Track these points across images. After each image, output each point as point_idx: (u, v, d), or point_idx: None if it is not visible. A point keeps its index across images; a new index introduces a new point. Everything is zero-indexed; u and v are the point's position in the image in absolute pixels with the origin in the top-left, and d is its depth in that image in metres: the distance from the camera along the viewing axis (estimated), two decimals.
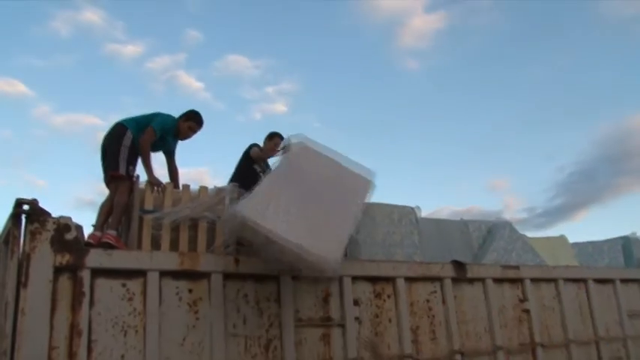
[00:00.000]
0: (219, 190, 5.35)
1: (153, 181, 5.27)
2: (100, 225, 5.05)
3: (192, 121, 5.82)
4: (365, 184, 5.36)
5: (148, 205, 5.07)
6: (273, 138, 6.53)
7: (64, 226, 4.30)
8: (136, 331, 4.36)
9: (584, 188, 35.68)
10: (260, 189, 4.70)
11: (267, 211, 4.51)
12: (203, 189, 5.32)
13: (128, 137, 5.30)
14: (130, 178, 5.27)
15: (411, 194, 44.40)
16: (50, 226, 4.24)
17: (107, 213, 5.16)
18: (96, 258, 4.33)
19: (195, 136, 5.91)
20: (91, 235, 4.76)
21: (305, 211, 4.65)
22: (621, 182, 36.84)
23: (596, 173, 34.80)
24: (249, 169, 6.24)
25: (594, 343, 6.99)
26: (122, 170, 5.19)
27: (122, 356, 4.28)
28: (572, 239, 8.41)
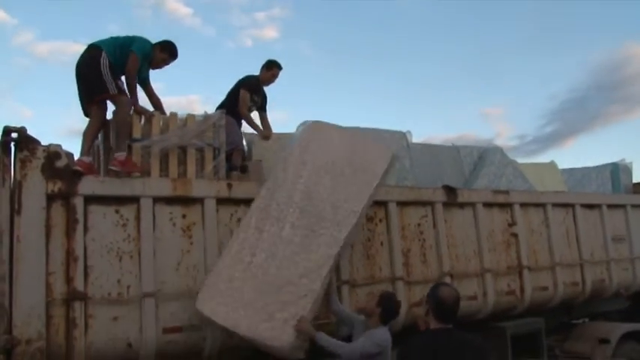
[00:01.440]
0: (207, 117, 5.29)
1: (140, 110, 5.19)
2: (86, 150, 4.96)
3: (167, 53, 5.61)
4: (383, 154, 4.92)
5: (136, 134, 5.02)
6: (272, 68, 6.39)
7: (54, 153, 4.29)
8: (131, 257, 4.43)
9: (575, 116, 35.87)
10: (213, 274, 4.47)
11: (218, 303, 4.33)
12: (190, 116, 5.26)
13: (105, 58, 5.07)
14: (124, 92, 5.16)
15: (403, 121, 44.51)
16: (40, 154, 4.23)
17: (92, 138, 5.09)
18: (88, 185, 4.34)
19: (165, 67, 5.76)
20: (77, 161, 4.70)
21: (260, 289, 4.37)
22: (612, 110, 37.01)
23: (588, 101, 34.91)
24: (239, 96, 6.14)
25: (579, 266, 7.22)
26: (112, 89, 5.03)
27: (118, 281, 4.37)
28: (562, 166, 8.51)
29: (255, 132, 6.21)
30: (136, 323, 4.35)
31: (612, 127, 39.58)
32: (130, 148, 4.96)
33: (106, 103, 5.16)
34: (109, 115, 5.18)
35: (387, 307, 4.32)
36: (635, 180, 8.86)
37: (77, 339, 4.12)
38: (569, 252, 7.15)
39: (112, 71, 5.10)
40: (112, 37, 5.33)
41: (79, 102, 5.26)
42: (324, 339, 4.23)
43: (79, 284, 4.19)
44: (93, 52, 5.16)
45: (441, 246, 5.88)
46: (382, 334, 4.23)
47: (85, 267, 4.25)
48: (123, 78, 5.32)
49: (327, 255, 4.44)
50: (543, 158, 30.87)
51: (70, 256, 4.21)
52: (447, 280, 5.79)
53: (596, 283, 7.40)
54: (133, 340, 4.33)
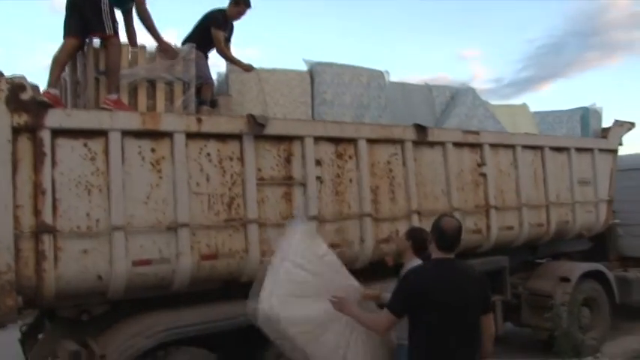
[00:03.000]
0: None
1: (166, 47, 5.19)
2: (55, 80, 4.85)
3: (243, 5, 5.78)
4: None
5: (103, 67, 4.91)
6: (239, 5, 6.25)
7: (19, 85, 4.19)
8: (100, 190, 4.41)
9: (551, 61, 36.09)
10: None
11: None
12: (159, 50, 5.16)
13: None
14: (118, 35, 5.03)
15: (379, 62, 44.32)
16: (3, 85, 4.13)
17: (60, 69, 4.97)
18: (55, 118, 4.26)
19: None
20: (44, 92, 4.60)
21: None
22: (589, 57, 37.22)
23: (565, 47, 35.08)
24: (206, 32, 6.02)
25: (544, 208, 7.38)
26: (109, 30, 4.90)
27: (87, 214, 4.36)
28: (535, 110, 8.54)
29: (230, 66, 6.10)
30: (106, 256, 4.37)
31: (588, 72, 40.02)
32: (97, 81, 4.88)
33: (91, 41, 5.03)
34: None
35: (417, 237, 4.38)
36: (604, 125, 8.97)
37: (47, 271, 4.14)
38: (535, 193, 7.29)
39: (111, 7, 4.97)
40: None
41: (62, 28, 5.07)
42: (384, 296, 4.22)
43: (47, 217, 4.18)
44: None
45: (410, 184, 5.93)
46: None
47: (54, 200, 4.22)
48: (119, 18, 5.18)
49: None
50: (518, 101, 31.18)
51: (37, 189, 4.18)
52: (415, 218, 5.89)
53: (561, 224, 7.58)
54: (102, 273, 4.36)
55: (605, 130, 8.72)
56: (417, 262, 4.22)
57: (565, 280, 7.47)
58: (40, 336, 5.20)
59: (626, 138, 8.76)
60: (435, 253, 3.57)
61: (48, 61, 4.96)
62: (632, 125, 8.83)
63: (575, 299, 7.40)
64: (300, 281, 4.13)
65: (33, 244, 4.14)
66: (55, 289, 4.20)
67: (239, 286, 5.03)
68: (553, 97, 39.23)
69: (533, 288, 7.53)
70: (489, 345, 3.59)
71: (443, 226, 3.55)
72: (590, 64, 39.27)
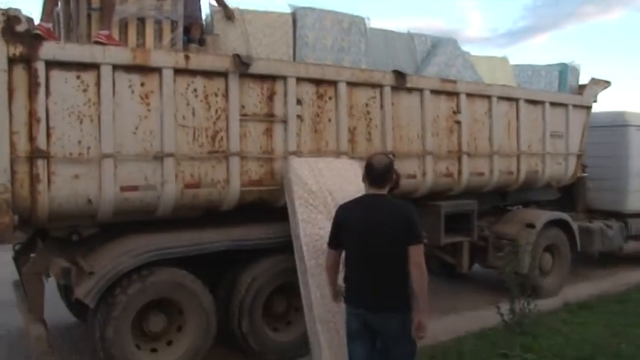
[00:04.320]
0: None
1: None
2: (47, 15, 4.96)
3: None
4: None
5: (95, 3, 5.05)
6: None
7: (14, 17, 4.36)
8: (92, 120, 4.65)
9: (549, 13, 35.71)
10: None
11: None
12: None
13: None
14: None
15: (379, 3, 43.46)
16: None
17: (54, 1, 5.10)
18: (49, 51, 4.45)
19: None
20: (38, 26, 4.75)
21: None
22: (586, 10, 36.89)
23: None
24: None
25: (516, 157, 7.70)
26: None
27: (79, 142, 4.62)
28: (517, 62, 8.68)
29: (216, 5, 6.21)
30: (96, 181, 4.65)
31: (584, 25, 39.76)
32: (89, 17, 5.02)
33: None
34: None
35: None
36: (581, 82, 9.18)
37: (40, 193, 4.42)
38: (508, 143, 7.57)
39: None
40: None
41: None
42: None
43: (41, 143, 4.42)
44: None
45: (386, 126, 6.18)
46: None
47: (48, 128, 4.46)
48: None
49: None
50: (513, 51, 31.10)
51: (32, 117, 4.40)
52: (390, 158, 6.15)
53: (530, 173, 7.89)
54: (92, 197, 4.65)
55: (582, 87, 8.98)
56: None
57: (530, 226, 7.84)
58: (33, 255, 5.50)
59: (602, 96, 9.01)
60: (367, 189, 3.73)
61: None
62: (607, 84, 9.08)
63: (538, 244, 7.83)
64: None
65: (28, 168, 4.40)
66: (49, 210, 4.50)
67: (220, 215, 5.39)
68: (546, 48, 39.07)
69: (500, 232, 7.90)
70: (415, 272, 3.53)
71: (373, 163, 3.69)
72: (588, 18, 39.01)
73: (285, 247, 5.28)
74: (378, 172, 3.66)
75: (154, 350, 5.09)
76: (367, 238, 3.57)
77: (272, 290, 5.47)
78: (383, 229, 3.55)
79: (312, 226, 5.12)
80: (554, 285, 8.14)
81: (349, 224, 3.68)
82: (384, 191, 3.70)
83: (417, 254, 3.53)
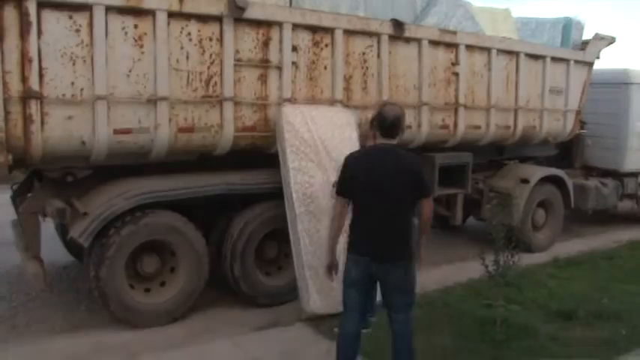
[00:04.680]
0: None
1: None
2: None
3: None
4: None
5: None
6: None
7: None
8: (84, 61, 4.62)
9: None
10: None
11: None
12: None
13: None
14: None
15: None
16: None
17: None
18: None
19: None
20: None
21: None
22: None
23: None
24: None
25: (513, 111, 7.67)
26: None
27: (72, 83, 4.61)
28: (520, 15, 8.50)
29: None
30: (89, 123, 4.66)
31: None
32: None
33: None
34: None
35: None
36: (585, 37, 9.02)
37: (34, 133, 4.44)
38: (506, 97, 7.53)
39: None
40: None
41: None
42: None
43: (34, 84, 4.40)
44: None
45: (383, 76, 6.14)
46: None
47: (40, 69, 4.43)
48: None
49: None
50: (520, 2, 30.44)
51: (24, 57, 4.36)
52: None
53: (527, 128, 7.88)
54: (86, 139, 4.67)
55: (585, 43, 8.82)
56: None
57: (524, 181, 7.90)
58: (29, 194, 5.56)
59: (606, 52, 8.90)
60: (378, 139, 3.72)
61: None
62: (612, 40, 8.91)
63: (531, 199, 7.89)
64: None
65: (21, 108, 4.40)
66: (42, 150, 4.53)
67: (214, 160, 5.43)
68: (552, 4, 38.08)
69: (495, 186, 7.96)
70: (425, 224, 3.75)
71: (384, 113, 3.65)
72: None
73: (278, 193, 5.35)
74: (389, 123, 3.63)
75: (147, 290, 5.23)
76: (377, 189, 3.56)
77: (264, 235, 5.57)
78: (393, 181, 3.55)
79: (302, 174, 5.18)
80: (546, 240, 8.25)
81: (360, 174, 3.65)
82: (394, 142, 3.67)
83: (428, 206, 3.68)
